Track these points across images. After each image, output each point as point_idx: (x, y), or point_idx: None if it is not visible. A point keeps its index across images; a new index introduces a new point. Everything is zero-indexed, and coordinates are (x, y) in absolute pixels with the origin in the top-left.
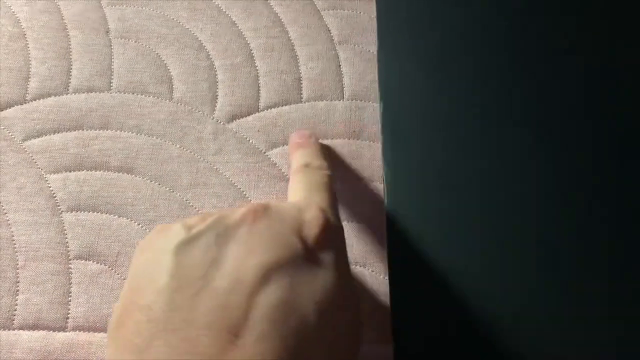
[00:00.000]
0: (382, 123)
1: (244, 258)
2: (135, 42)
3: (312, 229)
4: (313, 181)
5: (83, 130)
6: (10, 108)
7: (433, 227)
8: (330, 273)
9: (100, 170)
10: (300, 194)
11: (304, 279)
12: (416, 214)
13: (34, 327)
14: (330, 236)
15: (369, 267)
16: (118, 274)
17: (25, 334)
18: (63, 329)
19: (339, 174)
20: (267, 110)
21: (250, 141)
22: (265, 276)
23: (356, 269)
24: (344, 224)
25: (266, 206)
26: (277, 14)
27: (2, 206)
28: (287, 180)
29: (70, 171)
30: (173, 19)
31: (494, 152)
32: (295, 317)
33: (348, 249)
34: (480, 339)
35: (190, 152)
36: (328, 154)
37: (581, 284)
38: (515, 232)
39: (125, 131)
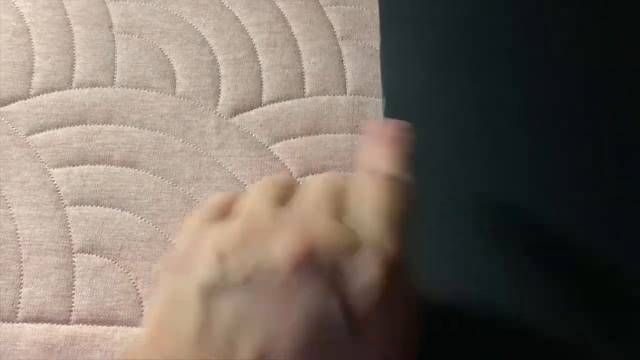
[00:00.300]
0: (384, 115)
1: (275, 327)
2: (139, 37)
3: (360, 283)
4: (392, 207)
5: (86, 124)
6: (14, 103)
7: (433, 221)
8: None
9: (103, 165)
10: (369, 218)
11: None
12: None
13: (37, 320)
14: (386, 305)
15: None
16: (121, 267)
17: (28, 327)
18: (66, 321)
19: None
20: (270, 104)
21: (253, 135)
22: (297, 357)
23: None
24: None
25: (310, 248)
26: (279, 9)
27: (6, 200)
28: (290, 174)
29: (73, 165)
30: (176, 14)
31: (495, 149)
32: None
33: None
34: (477, 325)
35: (193, 146)
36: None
37: (578, 280)
38: (516, 230)
39: (128, 125)
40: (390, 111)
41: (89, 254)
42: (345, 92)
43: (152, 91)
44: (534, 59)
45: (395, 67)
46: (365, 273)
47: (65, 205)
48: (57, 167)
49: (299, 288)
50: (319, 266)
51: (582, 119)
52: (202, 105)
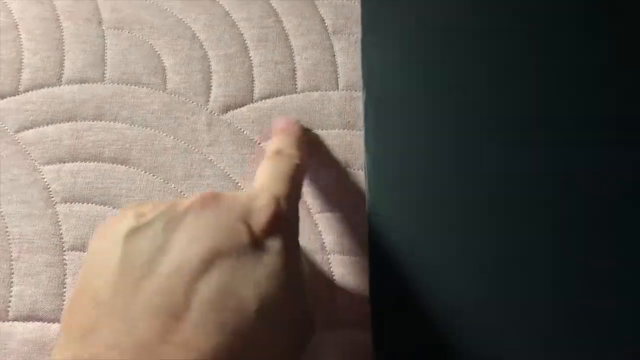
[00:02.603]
0: (364, 108)
1: (188, 244)
2: (129, 32)
3: (260, 217)
4: (278, 169)
5: (76, 121)
6: (2, 99)
7: (413, 215)
8: (274, 260)
9: (94, 162)
10: (262, 180)
11: (246, 265)
12: (396, 201)
13: (28, 318)
14: (280, 225)
15: (355, 255)
16: None
17: (20, 326)
18: (58, 320)
19: (327, 163)
20: (262, 101)
21: (245, 132)
22: (208, 262)
23: (339, 257)
24: (328, 214)
25: (216, 195)
26: (271, 4)
27: None
28: None
29: (64, 162)
30: (166, 9)
31: (477, 141)
32: (234, 302)
33: (333, 238)
34: (457, 331)
35: (185, 143)
36: (314, 142)
37: (562, 285)
38: (493, 224)
39: (119, 122)
40: (371, 102)
41: (80, 251)
42: (337, 88)
43: (142, 87)
44: (522, 48)
45: (377, 58)
46: (262, 208)
47: (56, 202)
48: (48, 164)
49: (209, 219)
50: (229, 206)
51: (567, 117)
52: (193, 102)
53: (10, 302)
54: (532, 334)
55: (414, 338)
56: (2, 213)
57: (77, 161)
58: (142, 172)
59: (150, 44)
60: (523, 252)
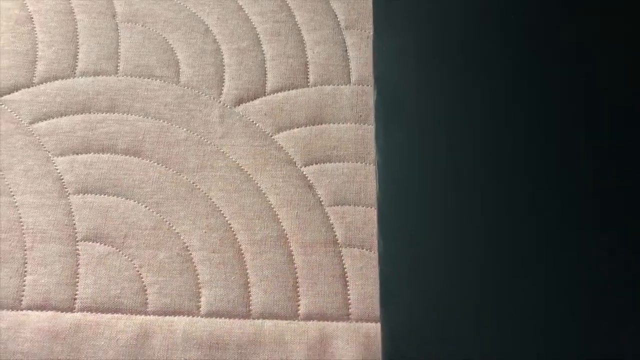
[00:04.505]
0: (375, 108)
1: None
2: (142, 26)
3: None
4: None
5: (90, 113)
6: (17, 91)
7: (422, 210)
8: None
9: (107, 153)
10: None
11: None
12: (406, 197)
13: (42, 307)
14: None
15: (375, 250)
16: (125, 255)
17: (33, 315)
18: (71, 309)
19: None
20: (274, 94)
21: (257, 125)
22: None
23: (350, 250)
24: (340, 207)
25: None
26: None
27: (10, 188)
28: (294, 164)
29: (77, 154)
30: (180, 2)
31: (486, 138)
32: None
33: (345, 231)
34: (463, 321)
35: (197, 135)
36: None
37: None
38: (501, 220)
39: (132, 114)
40: (381, 100)
41: (93, 242)
42: (349, 82)
43: (155, 80)
44: (531, 47)
45: (387, 57)
46: None
47: (69, 193)
48: (61, 156)
49: None
50: None
51: (578, 120)
52: (206, 94)
53: (24, 291)
54: (531, 330)
55: (422, 330)
56: (17, 203)
57: (90, 152)
58: (155, 163)
59: (164, 37)
60: (527, 249)
